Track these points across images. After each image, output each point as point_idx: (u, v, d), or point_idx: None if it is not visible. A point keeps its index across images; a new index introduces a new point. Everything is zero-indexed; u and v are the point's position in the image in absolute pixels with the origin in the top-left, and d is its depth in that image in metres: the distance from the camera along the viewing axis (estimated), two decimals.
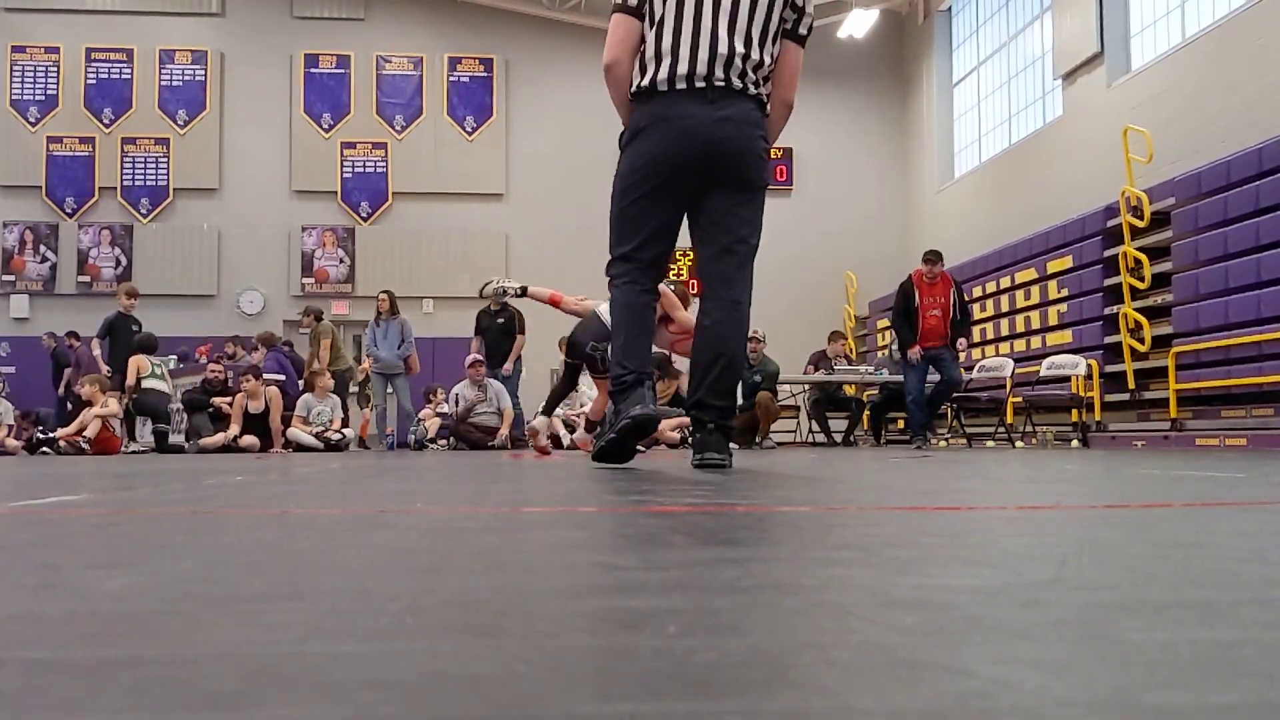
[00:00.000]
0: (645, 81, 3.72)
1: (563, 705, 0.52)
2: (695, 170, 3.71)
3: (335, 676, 0.59)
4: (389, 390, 12.07)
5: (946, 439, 12.15)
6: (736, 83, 3.67)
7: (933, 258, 9.90)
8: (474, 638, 0.70)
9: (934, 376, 10.07)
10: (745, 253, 3.80)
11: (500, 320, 11.82)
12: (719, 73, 3.65)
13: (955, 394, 10.85)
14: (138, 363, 10.89)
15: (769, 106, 3.85)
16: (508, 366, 11.74)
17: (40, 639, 0.71)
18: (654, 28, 3.71)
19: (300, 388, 11.59)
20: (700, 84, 3.65)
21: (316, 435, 10.71)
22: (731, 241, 3.77)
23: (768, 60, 3.74)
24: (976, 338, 13.55)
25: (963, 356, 10.21)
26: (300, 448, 10.46)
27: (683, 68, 3.65)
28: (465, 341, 12.55)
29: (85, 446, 10.02)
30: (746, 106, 3.70)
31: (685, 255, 13.24)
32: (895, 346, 12.54)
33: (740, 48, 3.66)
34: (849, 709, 0.52)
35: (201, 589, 0.94)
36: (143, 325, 11.59)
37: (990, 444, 11.03)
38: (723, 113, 3.65)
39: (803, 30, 3.82)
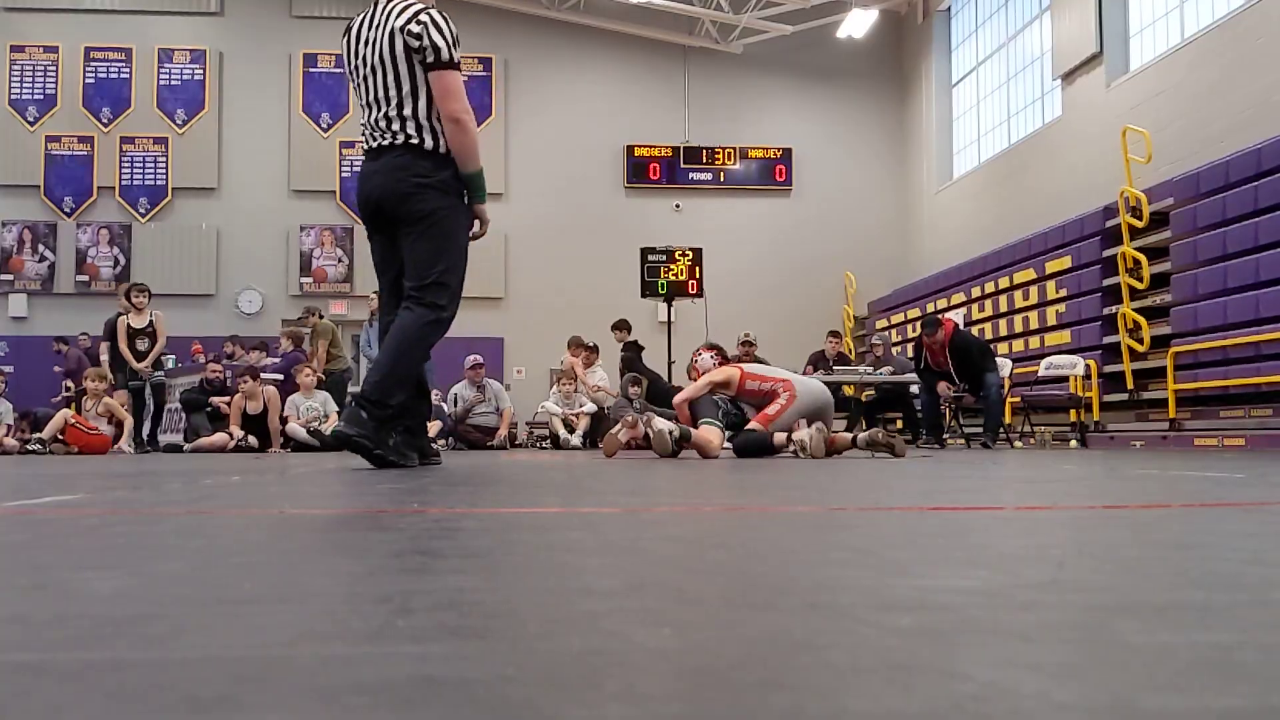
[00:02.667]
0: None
1: (554, 709, 0.51)
2: (367, 217, 4.40)
3: (323, 680, 0.58)
4: None
5: (944, 440, 12.13)
6: (385, 139, 4.28)
7: (929, 331, 9.69)
8: (465, 640, 0.69)
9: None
10: (429, 301, 4.19)
11: None
12: (374, 134, 4.32)
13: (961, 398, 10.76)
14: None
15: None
16: None
17: (27, 641, 0.70)
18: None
19: None
20: (370, 145, 4.35)
21: (310, 431, 10.67)
22: (410, 287, 4.23)
23: (409, 105, 4.25)
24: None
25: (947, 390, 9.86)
26: (299, 446, 10.44)
27: (363, 135, 4.42)
28: (464, 342, 12.52)
29: (60, 439, 10.06)
30: (393, 157, 4.27)
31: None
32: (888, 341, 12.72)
33: (381, 108, 4.27)
34: (845, 712, 0.51)
35: (191, 590, 0.93)
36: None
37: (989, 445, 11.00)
38: (374, 168, 4.31)
39: (430, 59, 4.25)
